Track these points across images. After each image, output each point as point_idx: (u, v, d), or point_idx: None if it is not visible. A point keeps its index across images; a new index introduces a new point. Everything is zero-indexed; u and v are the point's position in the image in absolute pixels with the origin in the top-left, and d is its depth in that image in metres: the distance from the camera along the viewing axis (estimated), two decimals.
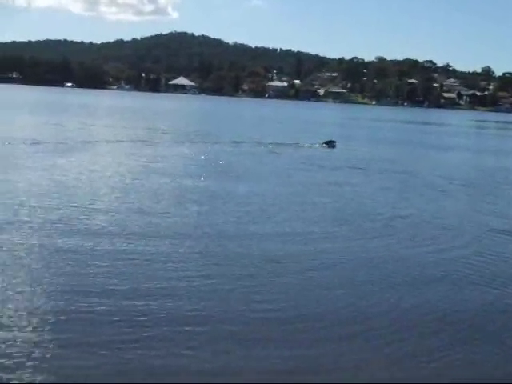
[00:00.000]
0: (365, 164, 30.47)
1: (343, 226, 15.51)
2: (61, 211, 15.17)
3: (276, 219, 15.85)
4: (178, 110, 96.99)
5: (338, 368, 7.68)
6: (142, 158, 27.93)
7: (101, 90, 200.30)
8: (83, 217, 14.71)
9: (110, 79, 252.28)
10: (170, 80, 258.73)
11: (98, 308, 8.92)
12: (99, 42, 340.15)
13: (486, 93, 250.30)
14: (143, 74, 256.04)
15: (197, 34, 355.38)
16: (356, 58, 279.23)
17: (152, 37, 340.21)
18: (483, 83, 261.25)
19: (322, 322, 9.03)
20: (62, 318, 8.48)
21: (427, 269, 12.07)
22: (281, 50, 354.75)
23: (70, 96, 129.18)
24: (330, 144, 38.75)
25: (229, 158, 29.62)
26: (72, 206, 15.84)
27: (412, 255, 13.01)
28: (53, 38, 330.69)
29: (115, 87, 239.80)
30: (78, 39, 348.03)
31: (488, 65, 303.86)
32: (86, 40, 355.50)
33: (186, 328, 8.47)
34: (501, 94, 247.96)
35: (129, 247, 12.24)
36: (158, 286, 10.06)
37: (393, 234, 14.91)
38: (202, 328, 8.51)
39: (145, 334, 8.15)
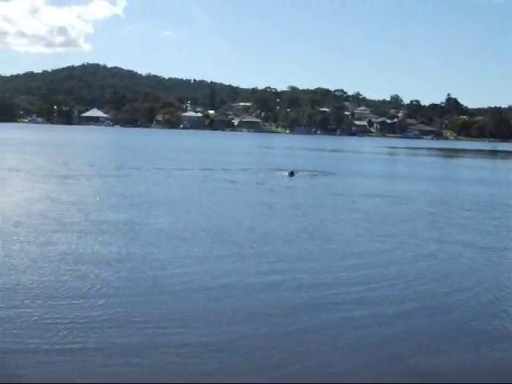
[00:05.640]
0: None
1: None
2: None
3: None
4: (94, 142, 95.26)
5: None
6: (61, 192, 27.19)
7: (12, 124, 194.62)
8: None
9: (21, 112, 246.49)
10: (82, 112, 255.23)
11: None
12: (8, 75, 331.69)
13: (395, 120, 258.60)
14: (55, 107, 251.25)
15: (109, 65, 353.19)
16: (269, 87, 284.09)
17: (63, 69, 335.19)
18: (392, 111, 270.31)
19: None
20: None
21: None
22: (194, 80, 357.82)
23: None
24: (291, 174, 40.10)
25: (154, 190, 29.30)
26: None
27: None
28: None
29: (27, 120, 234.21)
30: None
31: (396, 93, 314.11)
32: None
33: None
34: (409, 121, 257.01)
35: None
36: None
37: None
38: None
39: None
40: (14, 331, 9.47)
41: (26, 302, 10.90)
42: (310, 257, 15.54)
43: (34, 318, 10.06)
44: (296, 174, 40.18)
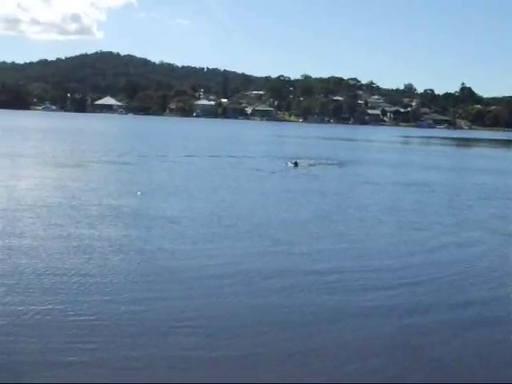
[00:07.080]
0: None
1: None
2: None
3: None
4: (106, 130, 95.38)
5: None
6: (81, 179, 27.24)
7: (25, 111, 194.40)
8: None
9: (35, 100, 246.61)
10: (96, 100, 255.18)
11: None
12: (22, 62, 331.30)
13: (409, 109, 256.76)
14: (68, 94, 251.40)
15: (122, 53, 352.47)
16: (282, 76, 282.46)
17: (77, 56, 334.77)
18: (406, 100, 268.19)
19: None
20: None
21: None
22: (207, 68, 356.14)
23: None
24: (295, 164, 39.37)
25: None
26: None
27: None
28: None
29: (40, 108, 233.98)
30: None
31: (410, 82, 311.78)
32: (8, 60, 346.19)
33: None
34: (423, 110, 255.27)
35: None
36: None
37: None
38: None
39: None
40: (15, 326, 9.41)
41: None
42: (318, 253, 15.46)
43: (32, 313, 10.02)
44: (302, 164, 39.71)
